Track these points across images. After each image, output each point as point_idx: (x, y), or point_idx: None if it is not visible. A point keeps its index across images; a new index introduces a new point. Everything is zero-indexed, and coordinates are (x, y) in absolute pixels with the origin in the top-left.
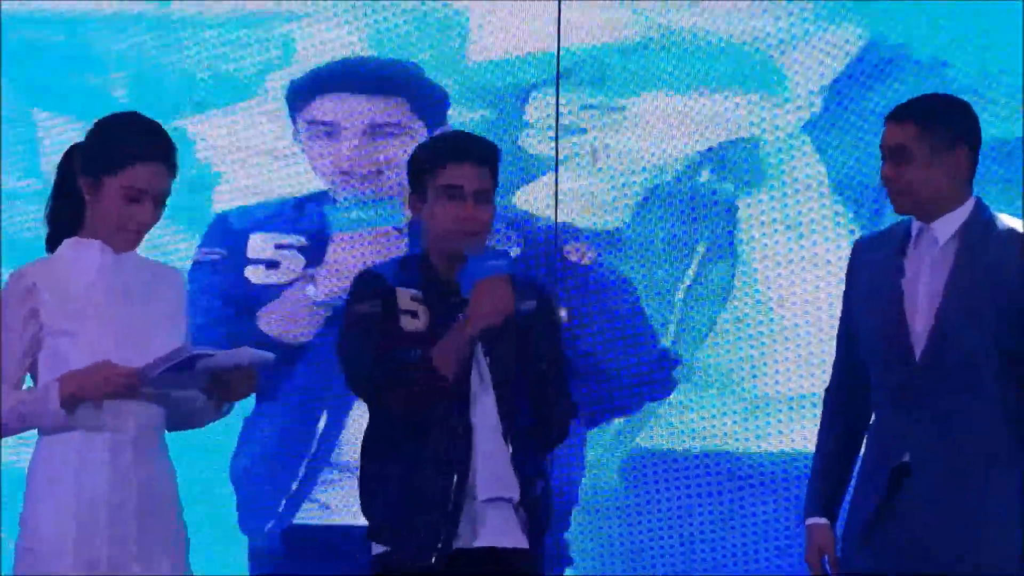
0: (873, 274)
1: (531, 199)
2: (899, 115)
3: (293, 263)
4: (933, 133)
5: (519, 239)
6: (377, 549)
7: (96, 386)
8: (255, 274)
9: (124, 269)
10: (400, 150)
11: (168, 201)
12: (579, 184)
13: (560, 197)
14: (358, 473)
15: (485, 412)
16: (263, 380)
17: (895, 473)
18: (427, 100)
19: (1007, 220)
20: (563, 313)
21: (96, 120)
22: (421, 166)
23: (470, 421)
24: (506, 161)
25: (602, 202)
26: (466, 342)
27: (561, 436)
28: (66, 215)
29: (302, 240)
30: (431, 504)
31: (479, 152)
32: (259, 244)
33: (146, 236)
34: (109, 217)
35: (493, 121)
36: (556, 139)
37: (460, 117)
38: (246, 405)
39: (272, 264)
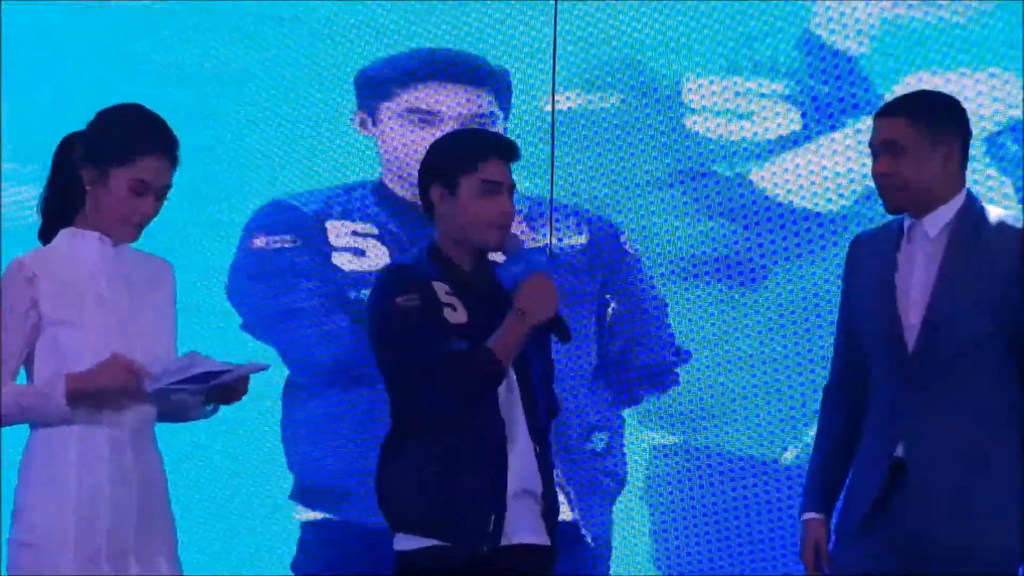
0: (869, 270)
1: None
2: (889, 110)
3: (378, 250)
4: (925, 126)
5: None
6: (413, 543)
7: (103, 381)
8: (343, 261)
9: (123, 260)
10: None
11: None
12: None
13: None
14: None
15: (512, 408)
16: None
17: (891, 470)
18: (505, 90)
19: (999, 213)
20: (611, 308)
21: (101, 110)
22: (455, 161)
23: (502, 417)
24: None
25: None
26: (523, 335)
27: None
28: (62, 205)
29: (373, 228)
30: (476, 499)
31: (512, 149)
32: (337, 231)
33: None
34: (114, 209)
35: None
36: (552, 136)
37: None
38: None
39: (359, 252)
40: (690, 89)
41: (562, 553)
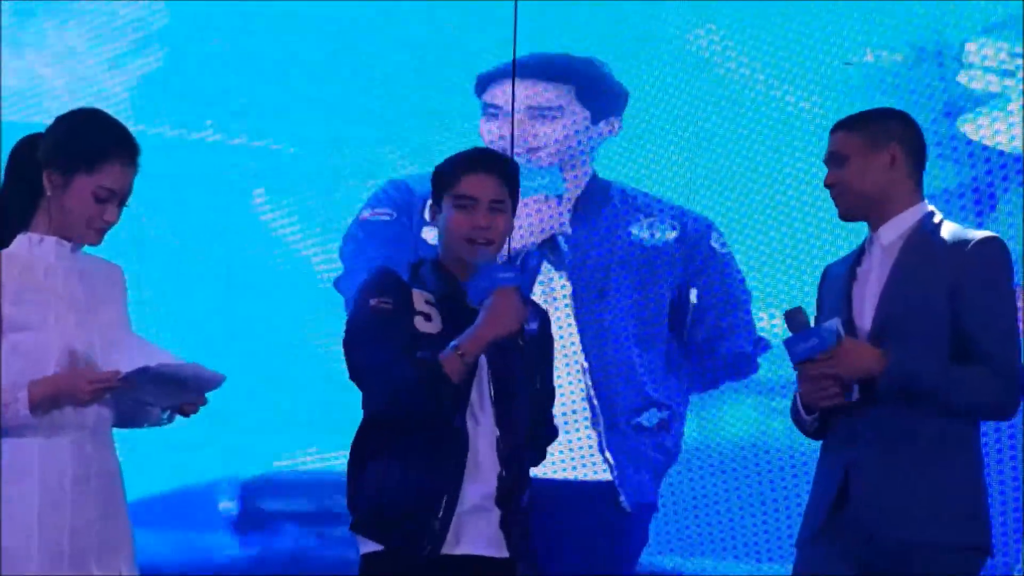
0: (832, 287)
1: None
2: (834, 128)
3: None
4: (862, 133)
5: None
6: (367, 546)
7: (65, 391)
8: (430, 236)
9: (80, 263)
10: (556, 129)
11: None
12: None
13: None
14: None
15: (481, 423)
16: None
17: (846, 476)
18: (599, 92)
19: (956, 228)
20: (693, 296)
21: (61, 116)
22: (440, 180)
23: (467, 430)
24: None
25: None
26: (478, 351)
27: (543, 457)
28: (21, 209)
29: None
30: (424, 506)
31: (493, 164)
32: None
33: None
34: (77, 214)
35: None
36: (512, 131)
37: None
38: None
39: None
40: None
41: (595, 512)
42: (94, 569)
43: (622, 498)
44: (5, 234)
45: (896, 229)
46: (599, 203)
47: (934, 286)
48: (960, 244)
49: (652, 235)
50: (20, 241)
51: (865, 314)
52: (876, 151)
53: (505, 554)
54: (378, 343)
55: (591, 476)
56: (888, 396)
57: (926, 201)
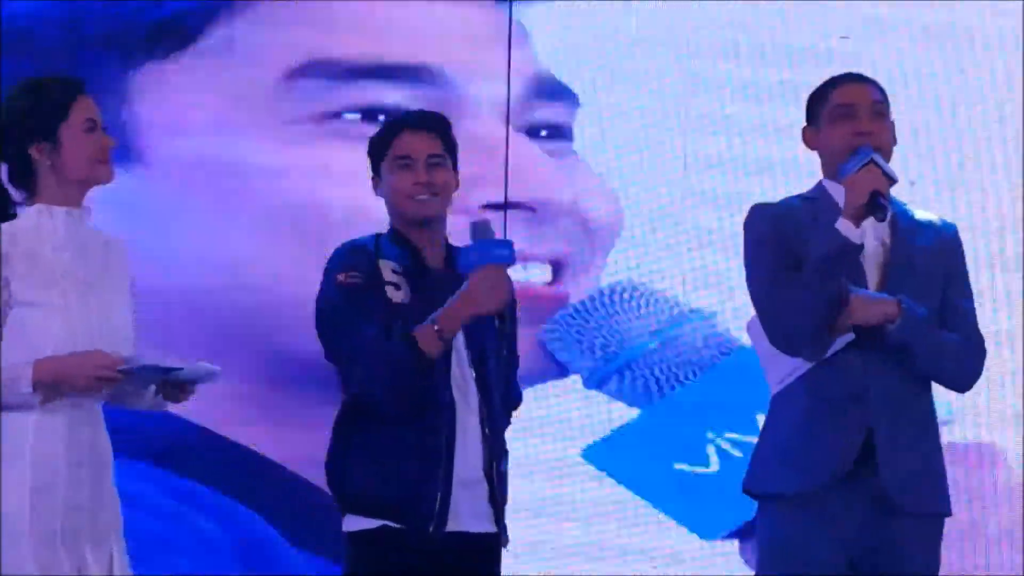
0: (821, 237)
1: None
2: (860, 78)
3: None
4: (884, 98)
5: None
6: (363, 524)
7: (84, 382)
8: None
9: (87, 238)
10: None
11: None
12: None
13: None
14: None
15: (463, 391)
16: None
17: (864, 437)
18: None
19: (927, 213)
20: None
21: (7, 98)
22: (375, 148)
23: (453, 398)
24: None
25: None
26: (459, 323)
27: (508, 423)
28: (17, 186)
29: None
30: (423, 481)
31: (424, 121)
32: None
33: None
34: (78, 158)
35: None
36: (507, 125)
37: None
38: None
39: None
40: None
41: None
42: (88, 552)
43: None
44: (9, 210)
45: None
46: None
47: (933, 264)
48: (941, 229)
49: None
50: (29, 213)
51: (871, 280)
52: (889, 118)
53: (493, 528)
54: (354, 321)
55: None
56: (897, 340)
57: None
